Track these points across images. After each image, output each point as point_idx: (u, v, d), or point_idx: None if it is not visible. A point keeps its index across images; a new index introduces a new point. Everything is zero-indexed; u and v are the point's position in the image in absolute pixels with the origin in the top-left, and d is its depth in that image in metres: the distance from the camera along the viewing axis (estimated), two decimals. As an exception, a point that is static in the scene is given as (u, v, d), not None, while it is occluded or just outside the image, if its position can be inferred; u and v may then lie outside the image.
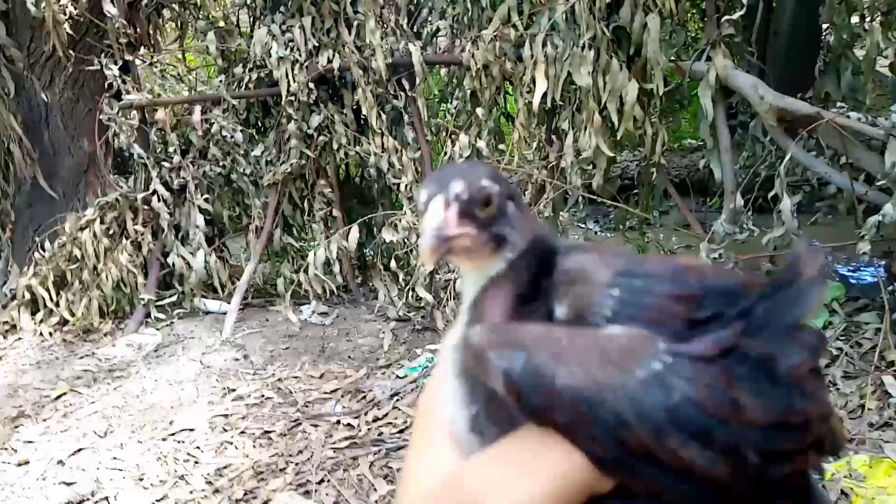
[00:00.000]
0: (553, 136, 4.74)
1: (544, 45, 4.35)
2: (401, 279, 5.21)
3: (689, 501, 0.55)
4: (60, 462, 3.69)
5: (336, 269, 5.49)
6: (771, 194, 4.21)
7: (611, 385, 0.54)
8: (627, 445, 0.53)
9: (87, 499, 3.35)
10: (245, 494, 3.30)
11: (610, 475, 0.56)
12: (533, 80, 4.38)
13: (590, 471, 0.56)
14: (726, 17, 4.24)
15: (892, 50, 4.31)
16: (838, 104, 4.30)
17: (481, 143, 4.84)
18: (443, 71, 5.37)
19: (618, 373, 0.54)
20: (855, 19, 4.75)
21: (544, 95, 4.40)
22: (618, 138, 4.32)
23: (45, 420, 4.24)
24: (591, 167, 4.51)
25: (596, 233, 6.28)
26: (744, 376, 0.53)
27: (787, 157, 4.00)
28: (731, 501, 0.54)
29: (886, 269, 4.24)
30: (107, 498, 3.33)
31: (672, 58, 4.41)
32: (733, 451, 0.53)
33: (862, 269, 4.46)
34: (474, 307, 0.70)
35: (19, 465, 3.70)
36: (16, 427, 4.16)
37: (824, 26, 5.14)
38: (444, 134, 5.43)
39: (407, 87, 5.24)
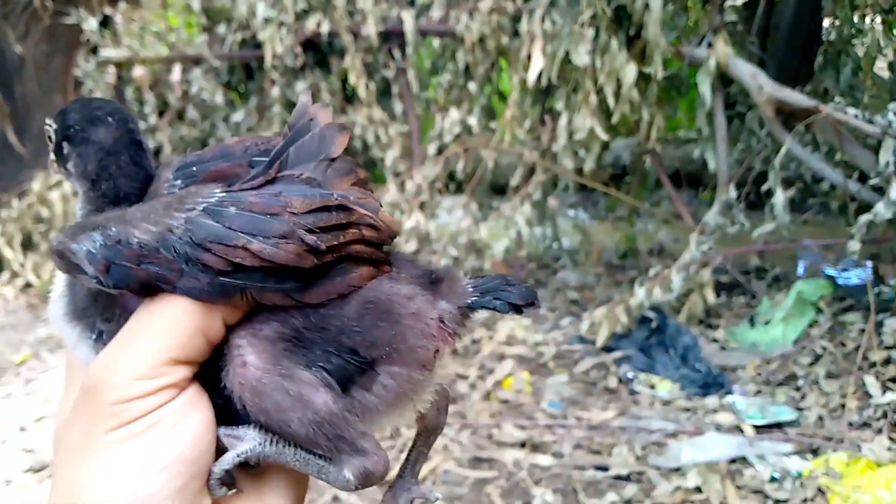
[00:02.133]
0: (546, 117, 4.62)
1: (543, 20, 4.21)
2: (382, 256, 5.08)
3: (282, 293, 0.66)
4: (22, 429, 3.53)
5: (315, 242, 5.35)
6: (764, 188, 4.15)
7: (176, 224, 0.64)
8: (209, 265, 0.63)
9: (48, 466, 3.21)
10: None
11: (213, 302, 0.65)
12: (529, 57, 4.25)
13: (196, 311, 0.65)
14: (729, 2, 4.14)
15: (891, 49, 4.25)
16: (836, 99, 4.23)
17: (472, 120, 4.71)
18: (435, 42, 5.21)
19: (179, 213, 0.64)
20: (857, 17, 4.68)
21: (540, 74, 4.28)
22: (613, 122, 4.21)
23: (6, 385, 4.06)
24: (583, 151, 4.40)
25: (584, 221, 6.21)
26: (292, 191, 0.66)
27: (783, 151, 3.92)
28: (309, 280, 0.66)
29: (874, 271, 4.21)
30: (66, 468, 3.18)
31: (672, 42, 4.30)
32: (290, 234, 0.64)
33: (849, 269, 4.42)
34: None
35: (-23, 430, 3.54)
36: (-27, 391, 3.99)
37: (825, 21, 5.07)
38: (433, 108, 5.28)
39: (398, 57, 5.08)
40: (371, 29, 4.83)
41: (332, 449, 0.67)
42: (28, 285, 5.50)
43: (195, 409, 0.66)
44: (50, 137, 0.77)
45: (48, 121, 0.77)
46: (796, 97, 4.05)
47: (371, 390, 0.69)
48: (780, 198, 4.08)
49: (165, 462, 0.63)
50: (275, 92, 5.18)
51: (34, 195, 5.50)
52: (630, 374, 3.80)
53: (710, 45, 4.25)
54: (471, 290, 0.74)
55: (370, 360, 0.69)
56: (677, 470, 3.00)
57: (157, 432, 0.64)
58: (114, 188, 0.74)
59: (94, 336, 0.71)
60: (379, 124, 5.04)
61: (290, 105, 5.31)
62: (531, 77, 4.21)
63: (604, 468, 3.05)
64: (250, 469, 0.69)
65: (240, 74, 5.68)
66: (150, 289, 0.65)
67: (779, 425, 3.32)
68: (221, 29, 5.43)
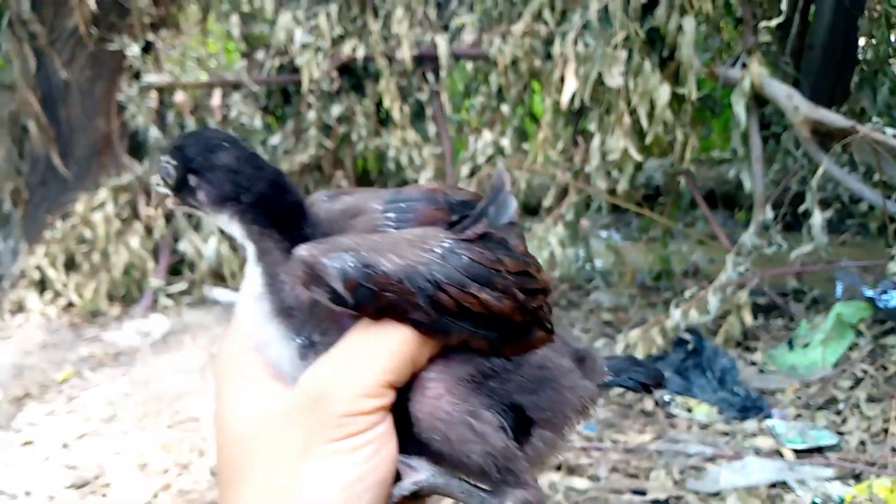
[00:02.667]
0: (579, 138, 4.64)
1: (576, 43, 4.25)
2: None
3: (487, 340, 0.72)
4: (65, 445, 3.61)
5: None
6: (801, 209, 4.11)
7: (420, 261, 0.70)
8: (442, 305, 0.70)
9: (90, 483, 3.27)
10: (249, 489, 3.20)
11: (432, 337, 0.71)
12: (562, 79, 4.28)
13: (417, 342, 0.70)
14: (763, 23, 4.14)
15: (930, 67, 4.21)
16: (873, 119, 4.19)
17: (505, 141, 4.74)
18: (468, 66, 5.27)
19: (422, 252, 0.70)
20: (894, 36, 4.65)
21: (573, 95, 4.30)
22: (646, 143, 4.21)
23: (49, 402, 4.16)
24: (616, 172, 4.40)
25: (618, 241, 6.19)
26: (495, 248, 0.73)
27: (820, 172, 3.89)
28: (510, 334, 0.74)
29: (916, 292, 4.14)
30: (109, 484, 3.25)
31: (706, 63, 4.30)
32: (507, 290, 0.72)
33: (889, 291, 4.34)
34: (261, 264, 0.79)
35: (23, 445, 3.62)
36: (20, 407, 4.09)
37: (861, 41, 5.04)
38: (466, 130, 5.33)
39: (431, 80, 5.15)
40: (405, 53, 4.90)
41: (500, 481, 0.73)
42: (70, 304, 5.64)
43: (394, 435, 0.71)
44: (168, 175, 0.81)
45: (164, 159, 0.81)
46: (832, 117, 4.03)
47: (522, 447, 0.75)
48: (817, 219, 4.04)
49: (373, 481, 0.69)
50: (311, 115, 5.28)
51: (77, 216, 5.64)
52: (667, 397, 3.77)
53: (744, 65, 4.24)
54: (606, 369, 0.84)
55: (531, 419, 0.76)
56: (716, 494, 2.96)
57: (369, 451, 0.69)
58: (255, 203, 0.79)
59: (301, 342, 0.75)
60: (412, 146, 5.10)
61: (325, 128, 5.40)
62: (564, 99, 4.23)
63: (641, 492, 3.02)
64: (416, 498, 0.73)
65: (277, 99, 5.79)
66: (382, 313, 0.71)
67: (819, 450, 3.26)
68: (260, 54, 5.55)
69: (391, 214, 0.78)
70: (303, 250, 0.72)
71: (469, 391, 0.72)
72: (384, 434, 0.70)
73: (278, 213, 0.79)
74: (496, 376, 0.74)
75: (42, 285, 5.73)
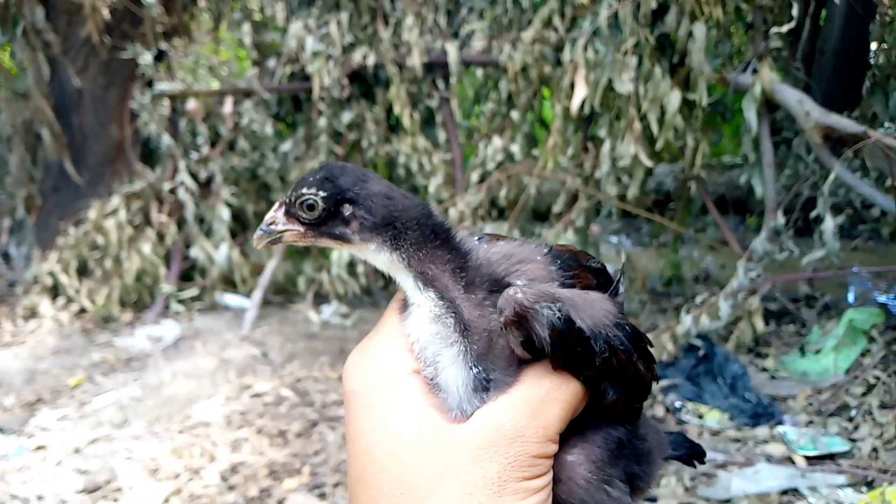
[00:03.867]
0: (589, 144, 4.63)
1: (585, 49, 4.25)
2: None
3: (622, 404, 0.80)
4: (77, 450, 3.63)
5: (359, 269, 5.42)
6: (813, 214, 4.09)
7: (602, 324, 0.76)
8: (610, 367, 0.77)
9: (102, 487, 3.28)
10: (259, 492, 3.21)
11: (590, 396, 0.79)
12: (572, 85, 4.28)
13: (581, 397, 0.77)
14: (774, 28, 4.12)
15: (942, 72, 4.17)
16: (885, 124, 4.16)
17: (514, 147, 4.75)
18: (478, 72, 5.28)
19: (602, 317, 0.77)
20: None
21: (583, 101, 4.30)
22: (657, 149, 4.20)
23: (62, 407, 4.18)
24: (626, 177, 4.39)
25: (628, 247, 6.16)
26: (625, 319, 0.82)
27: (832, 177, 3.87)
28: (638, 400, 0.83)
29: (929, 298, 4.10)
30: (120, 489, 3.26)
31: (717, 68, 4.29)
32: (649, 361, 0.81)
33: (902, 296, 4.31)
34: (431, 289, 0.84)
35: (35, 450, 3.64)
36: (33, 412, 4.12)
37: (873, 45, 5.01)
38: (475, 136, 5.34)
39: (441, 87, 5.16)
40: (416, 60, 4.92)
41: None
42: (82, 310, 5.67)
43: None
44: (311, 207, 0.85)
45: (308, 192, 0.85)
46: (844, 123, 4.00)
47: None
48: (829, 224, 4.01)
49: None
50: (321, 122, 5.30)
51: (90, 223, 5.68)
52: (678, 404, 3.75)
53: (754, 70, 4.22)
54: (667, 444, 0.93)
55: (637, 486, 0.83)
56: (727, 501, 2.94)
57: (545, 496, 0.74)
58: (409, 230, 0.84)
59: (477, 373, 0.81)
60: (422, 153, 5.12)
61: (335, 135, 5.42)
62: (574, 105, 4.23)
63: (652, 500, 3.00)
64: None
65: (288, 106, 5.83)
66: (564, 366, 0.77)
67: (831, 456, 3.23)
68: (271, 62, 5.58)
69: (554, 268, 0.84)
70: (518, 293, 0.76)
71: (604, 460, 0.78)
72: (550, 483, 0.75)
73: (433, 238, 0.84)
74: (622, 447, 0.81)
75: (55, 291, 5.77)
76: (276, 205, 0.88)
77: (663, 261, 5.43)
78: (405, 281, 0.85)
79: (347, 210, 0.84)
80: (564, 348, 0.75)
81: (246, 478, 3.32)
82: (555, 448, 0.76)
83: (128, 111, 6.09)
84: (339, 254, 5.41)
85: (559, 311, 0.74)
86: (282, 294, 5.97)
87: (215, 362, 4.71)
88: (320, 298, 5.66)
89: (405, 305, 0.87)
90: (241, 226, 6.04)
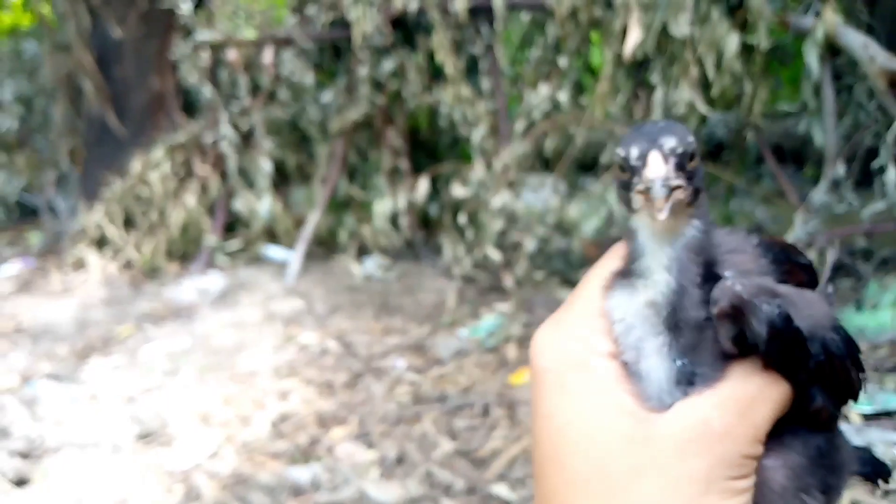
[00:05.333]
0: (640, 92, 4.47)
1: (639, -10, 4.06)
2: (468, 236, 5.04)
3: (828, 411, 0.75)
4: (129, 398, 3.70)
5: (402, 222, 5.37)
6: (874, 165, 3.91)
7: (821, 326, 0.71)
8: (823, 372, 0.72)
9: (154, 434, 3.34)
10: (309, 441, 3.24)
11: (798, 400, 0.74)
12: (624, 29, 4.11)
13: (788, 399, 0.73)
14: (840, -33, 3.90)
15: None
16: (957, 69, 3.92)
17: (562, 96, 4.60)
18: (525, 17, 5.11)
19: (822, 318, 0.71)
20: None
21: (635, 46, 4.13)
22: (712, 95, 4.04)
23: (113, 356, 4.26)
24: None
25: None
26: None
27: (896, 125, 3.69)
28: (841, 408, 0.78)
29: None
30: (173, 436, 3.32)
31: (777, 11, 4.08)
32: (861, 370, 0.76)
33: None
34: (675, 271, 0.76)
35: (89, 398, 3.72)
36: (85, 361, 4.20)
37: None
38: (521, 85, 5.19)
39: (485, 32, 5.01)
40: (459, 4, 4.77)
41: None
42: (129, 262, 5.75)
43: None
44: (693, 156, 0.76)
45: (691, 137, 0.76)
46: (913, 67, 3.79)
47: None
48: (892, 175, 3.85)
49: None
50: (362, 71, 5.20)
51: (135, 175, 5.72)
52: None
53: (817, 13, 4.02)
54: (856, 458, 0.87)
55: (831, 499, 0.78)
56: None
57: (748, 498, 0.71)
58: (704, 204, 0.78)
59: (681, 366, 0.75)
60: (466, 102, 4.99)
61: (377, 85, 5.32)
62: (628, 50, 4.07)
63: None
64: None
65: (329, 55, 5.72)
66: (776, 365, 0.73)
67: (888, 414, 3.14)
68: (311, 10, 5.47)
69: (765, 261, 0.79)
70: (736, 284, 0.71)
71: (803, 468, 0.74)
72: (753, 485, 0.72)
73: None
74: (821, 456, 0.76)
75: (101, 243, 5.85)
76: (655, 158, 0.74)
77: (714, 212, 5.28)
78: (658, 257, 0.76)
79: (701, 167, 0.77)
80: (780, 347, 0.70)
81: (295, 426, 3.35)
82: (761, 449, 0.72)
83: (168, 62, 6.06)
84: (381, 205, 5.37)
85: (779, 307, 0.69)
86: (324, 246, 5.97)
87: (261, 313, 4.74)
88: (362, 251, 5.64)
89: (610, 279, 0.80)
90: (282, 178, 6.02)
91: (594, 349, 0.77)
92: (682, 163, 0.74)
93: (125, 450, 3.24)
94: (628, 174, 0.76)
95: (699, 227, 0.76)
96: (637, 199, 0.75)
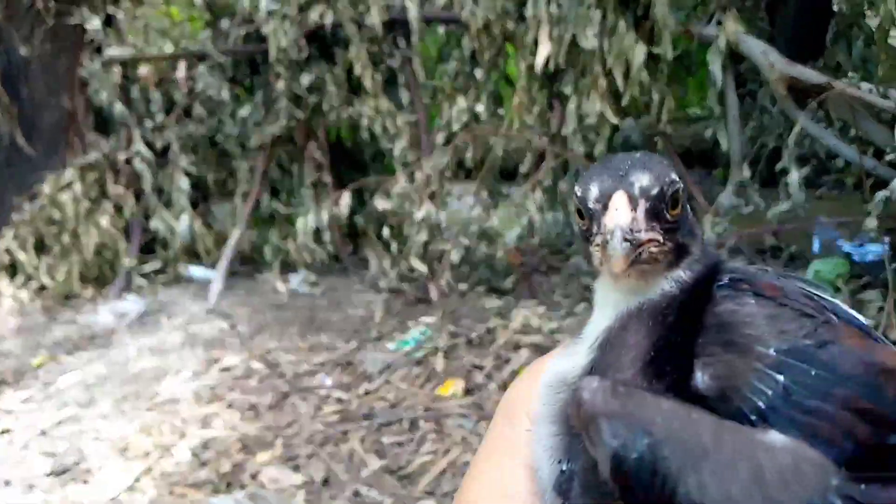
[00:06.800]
0: (555, 102, 4.56)
1: (549, 4, 4.15)
2: (393, 249, 5.04)
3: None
4: (43, 432, 3.55)
5: (326, 237, 5.33)
6: (778, 167, 4.09)
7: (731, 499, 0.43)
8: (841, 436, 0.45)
9: (70, 469, 3.22)
10: (232, 468, 3.18)
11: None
12: (536, 42, 4.19)
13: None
14: (738, -22, 4.07)
15: (905, 19, 4.15)
16: (849, 74, 4.15)
17: (480, 107, 4.66)
18: (440, 30, 5.15)
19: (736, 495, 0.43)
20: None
21: (547, 58, 4.22)
22: (623, 105, 4.15)
23: (26, 388, 4.09)
24: (593, 135, 4.34)
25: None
26: None
27: (797, 129, 3.86)
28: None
29: (891, 247, 4.14)
30: (90, 470, 3.20)
31: (681, 21, 4.24)
32: None
33: (865, 245, 4.35)
34: (605, 347, 0.58)
35: (1, 433, 3.56)
36: (-6, 396, 4.02)
37: (836, -8, 4.97)
38: (439, 97, 5.23)
39: (403, 46, 5.02)
40: (375, 18, 4.77)
41: None
42: (42, 288, 5.52)
43: None
44: (677, 203, 0.59)
45: (674, 176, 0.59)
46: (808, 73, 3.99)
47: None
48: (794, 176, 4.02)
49: None
50: (280, 85, 5.14)
51: (45, 198, 5.50)
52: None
53: (719, 22, 4.18)
54: None
55: None
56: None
57: None
58: (702, 291, 0.58)
59: (562, 468, 0.60)
60: (386, 115, 5.00)
61: (296, 99, 5.27)
62: (539, 62, 4.15)
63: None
64: None
65: (245, 70, 5.64)
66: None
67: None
68: (225, 24, 5.38)
69: (780, 378, 0.49)
70: (590, 390, 0.51)
71: None
72: None
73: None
74: None
75: (13, 269, 5.60)
76: (619, 201, 0.56)
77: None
78: (599, 322, 0.60)
79: (688, 212, 0.60)
80: (627, 493, 0.49)
81: (218, 453, 3.28)
82: None
83: (78, 79, 5.86)
84: (304, 220, 5.31)
85: (637, 445, 0.47)
86: (248, 264, 5.87)
87: (182, 336, 4.63)
88: (288, 267, 5.57)
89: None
90: (202, 195, 5.89)
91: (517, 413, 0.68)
92: (656, 208, 0.57)
93: (39, 487, 3.11)
94: (587, 221, 0.60)
95: (680, 284, 0.58)
96: (595, 255, 0.59)
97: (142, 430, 3.49)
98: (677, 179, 0.58)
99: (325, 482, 3.02)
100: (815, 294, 0.58)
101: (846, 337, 0.51)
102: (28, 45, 5.74)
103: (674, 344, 0.55)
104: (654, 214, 0.56)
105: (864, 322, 0.58)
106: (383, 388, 3.82)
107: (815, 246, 4.69)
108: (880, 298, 3.85)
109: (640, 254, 0.55)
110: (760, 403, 0.48)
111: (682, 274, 0.58)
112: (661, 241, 0.56)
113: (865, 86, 3.82)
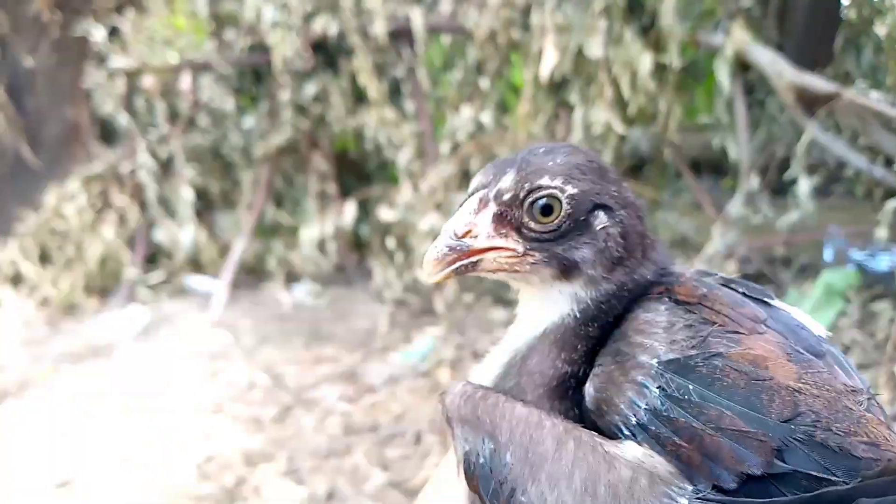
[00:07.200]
0: (560, 111, 4.53)
1: (554, 13, 4.12)
2: (398, 259, 5.00)
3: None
4: (45, 444, 3.52)
5: (330, 247, 5.29)
6: (788, 176, 4.05)
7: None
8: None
9: (73, 481, 3.18)
10: (235, 481, 3.13)
11: None
12: (541, 51, 4.16)
13: None
14: (746, -13, 4.04)
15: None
16: (858, 83, 4.12)
17: (485, 117, 4.63)
18: (445, 39, 5.13)
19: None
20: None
21: (553, 67, 4.19)
22: (629, 114, 4.12)
23: (30, 400, 4.05)
24: (600, 144, 4.31)
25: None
26: None
27: (806, 137, 3.82)
28: None
29: (903, 256, 4.08)
30: (93, 481, 3.16)
31: (688, 29, 4.21)
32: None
33: (877, 254, 4.29)
34: (511, 370, 0.56)
35: (4, 445, 3.52)
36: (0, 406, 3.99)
37: (844, 1, 4.95)
38: (445, 106, 5.20)
39: (407, 55, 5.00)
40: (379, 28, 4.76)
41: None
42: (46, 299, 5.50)
43: None
44: (549, 210, 0.55)
45: (550, 183, 0.54)
46: (817, 82, 3.95)
47: None
48: (804, 185, 3.99)
49: None
50: (284, 96, 5.12)
51: (49, 209, 5.49)
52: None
53: (726, 31, 4.15)
54: None
55: None
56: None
57: None
58: (634, 269, 0.57)
59: None
60: (391, 124, 4.97)
61: (300, 109, 5.25)
62: (544, 71, 4.12)
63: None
64: None
65: (249, 80, 5.63)
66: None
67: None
68: (229, 34, 5.37)
69: (655, 392, 0.49)
70: (450, 392, 0.53)
71: None
72: None
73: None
74: None
75: (17, 280, 5.58)
76: (470, 200, 0.54)
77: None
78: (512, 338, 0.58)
79: (601, 223, 0.56)
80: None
81: (221, 466, 3.24)
82: None
83: (83, 90, 5.86)
84: (309, 230, 5.29)
85: (483, 449, 0.47)
86: (251, 274, 5.84)
87: (185, 348, 4.59)
88: (292, 278, 5.54)
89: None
90: (206, 205, 5.87)
91: None
92: (508, 214, 0.53)
93: (42, 499, 3.08)
94: None
95: (582, 304, 0.55)
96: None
97: (144, 443, 3.45)
98: (548, 184, 0.53)
99: (329, 496, 2.98)
100: (762, 299, 0.56)
101: (748, 349, 0.48)
102: (33, 56, 5.74)
103: (576, 363, 0.54)
104: (506, 220, 0.53)
105: (818, 334, 0.59)
106: (388, 400, 3.77)
107: (828, 255, 4.64)
108: (892, 310, 3.79)
109: (475, 262, 0.53)
110: (632, 417, 0.46)
111: (583, 293, 0.55)
112: (520, 251, 0.53)
113: (875, 94, 3.79)
